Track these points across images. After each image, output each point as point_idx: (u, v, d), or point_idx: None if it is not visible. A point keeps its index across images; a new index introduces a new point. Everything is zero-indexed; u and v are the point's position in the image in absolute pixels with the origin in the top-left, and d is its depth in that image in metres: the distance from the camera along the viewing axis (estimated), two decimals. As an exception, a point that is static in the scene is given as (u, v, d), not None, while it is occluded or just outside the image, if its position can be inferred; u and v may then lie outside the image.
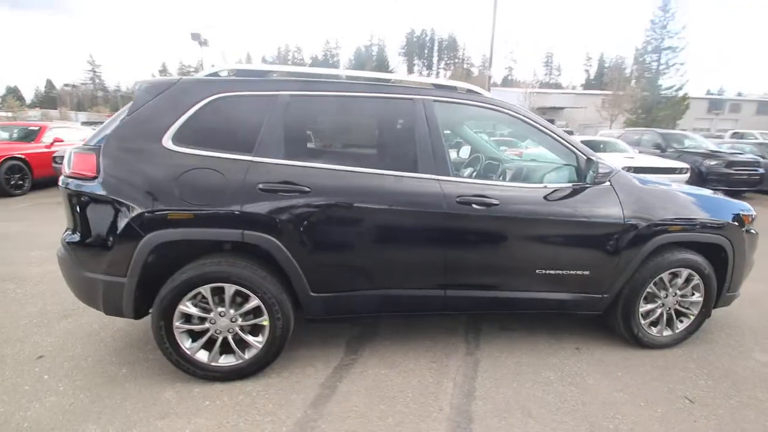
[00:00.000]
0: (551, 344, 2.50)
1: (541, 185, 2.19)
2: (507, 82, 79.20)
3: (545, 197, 2.15)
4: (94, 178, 1.84)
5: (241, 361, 2.03)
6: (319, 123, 2.20)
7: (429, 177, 2.04)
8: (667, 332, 2.46)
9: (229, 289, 1.93)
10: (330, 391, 2.01)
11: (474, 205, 2.04)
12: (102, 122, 2.29)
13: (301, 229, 1.92)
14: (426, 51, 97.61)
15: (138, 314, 2.01)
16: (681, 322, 2.48)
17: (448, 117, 2.13)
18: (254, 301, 1.96)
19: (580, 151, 2.22)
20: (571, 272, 2.24)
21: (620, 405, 1.97)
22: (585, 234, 2.20)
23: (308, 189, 1.91)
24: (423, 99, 2.13)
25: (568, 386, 2.10)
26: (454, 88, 2.26)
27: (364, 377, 2.13)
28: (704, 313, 2.48)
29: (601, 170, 2.10)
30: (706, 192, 2.65)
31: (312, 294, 2.03)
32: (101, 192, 1.84)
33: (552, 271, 2.21)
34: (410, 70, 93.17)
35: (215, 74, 2.10)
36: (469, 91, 2.28)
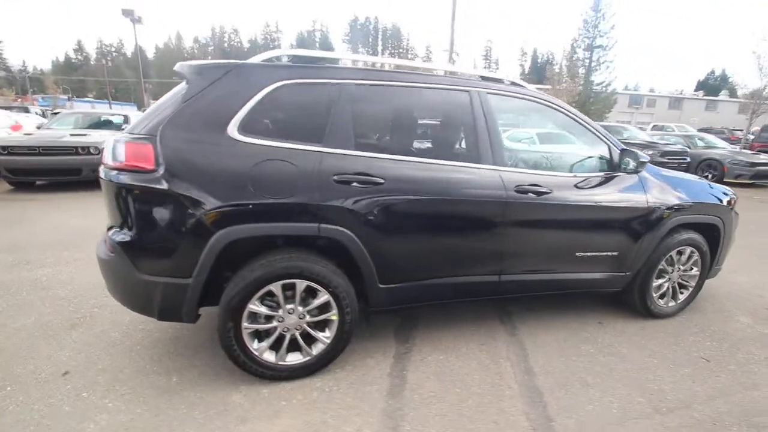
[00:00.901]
0: (577, 320, 2.72)
1: (584, 174, 2.36)
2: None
3: (586, 185, 2.32)
4: (153, 170, 1.66)
5: (308, 357, 1.98)
6: (383, 113, 2.16)
7: (490, 168, 2.11)
8: (671, 303, 2.80)
9: (301, 284, 1.87)
10: (400, 380, 2.04)
11: (530, 194, 2.16)
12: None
13: (374, 220, 1.90)
14: (370, 39, 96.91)
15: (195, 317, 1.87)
16: (682, 293, 2.83)
17: (499, 109, 2.20)
18: (324, 296, 1.92)
19: (613, 144, 2.42)
20: (605, 253, 2.45)
21: (655, 369, 2.22)
22: (617, 218, 2.42)
23: (382, 180, 1.89)
24: (478, 91, 2.18)
25: (608, 356, 2.32)
26: (500, 80, 2.34)
27: (426, 364, 2.18)
28: (700, 285, 2.85)
29: (641, 160, 2.31)
30: (696, 178, 3.02)
31: (380, 285, 2.02)
32: (163, 186, 1.66)
33: (589, 253, 2.41)
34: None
35: (274, 60, 1.97)
36: (513, 83, 2.37)
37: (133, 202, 1.69)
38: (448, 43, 17.30)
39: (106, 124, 8.11)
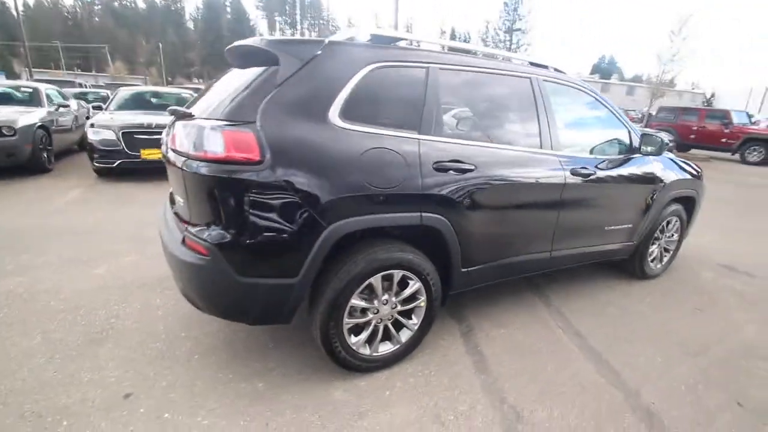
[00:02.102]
0: (592, 287, 3.07)
1: (620, 156, 2.62)
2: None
3: (617, 165, 2.59)
4: (259, 162, 1.48)
5: (398, 346, 1.98)
6: (466, 98, 2.12)
7: (552, 153, 2.25)
8: (659, 265, 3.29)
9: (397, 275, 1.84)
10: (480, 357, 2.15)
11: (579, 176, 2.35)
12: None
13: (464, 206, 1.92)
14: (287, 8, 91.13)
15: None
16: (665, 257, 3.33)
17: (551, 94, 2.32)
18: (416, 285, 1.92)
19: (633, 129, 2.72)
20: (624, 226, 2.78)
21: (670, 322, 2.63)
22: (636, 194, 2.75)
23: (473, 167, 1.91)
24: (537, 78, 2.27)
25: (631, 315, 2.68)
26: (546, 67, 2.46)
27: (492, 339, 2.31)
28: (678, 248, 3.38)
29: (664, 142, 2.63)
30: (672, 156, 3.51)
31: (462, 270, 2.07)
32: (271, 179, 1.49)
33: (614, 227, 2.72)
34: (272, 28, 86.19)
35: (354, 39, 1.83)
36: (556, 69, 2.51)
37: (235, 198, 1.49)
38: (372, 16, 16.94)
39: (6, 99, 6.59)
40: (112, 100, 6.95)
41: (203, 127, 1.51)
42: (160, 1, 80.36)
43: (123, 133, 5.54)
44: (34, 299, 2.48)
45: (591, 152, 2.55)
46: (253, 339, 2.18)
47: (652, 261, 3.21)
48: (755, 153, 12.07)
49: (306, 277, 1.62)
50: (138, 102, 7.03)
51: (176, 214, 1.89)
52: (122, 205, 4.60)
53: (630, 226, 2.83)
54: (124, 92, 7.13)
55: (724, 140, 12.54)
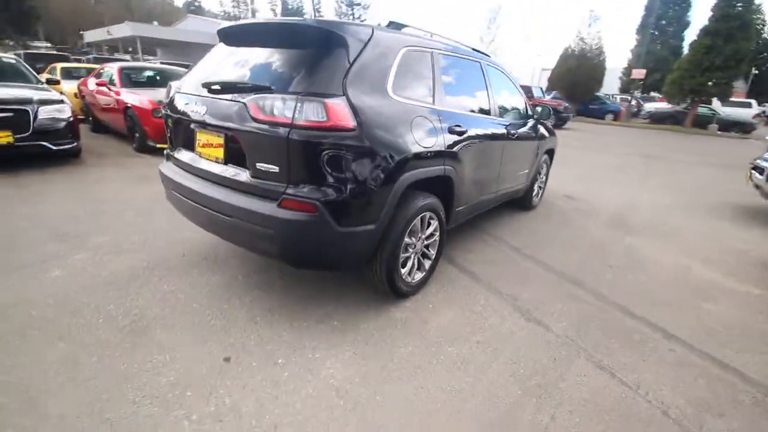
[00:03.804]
0: (507, 218, 4.18)
1: (525, 120, 3.64)
2: (198, 11, 71.02)
3: (527, 126, 3.63)
4: (353, 129, 1.79)
5: (425, 273, 2.56)
6: (452, 76, 2.64)
7: (497, 119, 3.07)
8: (536, 199, 4.63)
9: (425, 216, 2.39)
10: (470, 273, 2.90)
11: (510, 134, 3.26)
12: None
13: (461, 159, 2.56)
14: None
15: None
16: (539, 193, 4.71)
17: (491, 75, 3.11)
18: (435, 223, 2.50)
19: (526, 102, 3.79)
20: (525, 170, 3.90)
21: (554, 231, 3.90)
22: (533, 146, 3.88)
23: (466, 129, 2.55)
24: (484, 62, 3.02)
25: (536, 231, 3.86)
26: (487, 55, 3.23)
27: (471, 261, 3.10)
28: (544, 186, 4.81)
29: (550, 111, 3.74)
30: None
31: (456, 209, 2.74)
32: (363, 143, 1.82)
33: (522, 171, 3.80)
34: None
35: (379, 26, 2.18)
36: (486, 54, 3.31)
37: (336, 159, 1.76)
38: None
39: None
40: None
41: (304, 99, 1.71)
42: None
43: None
44: (31, 302, 2.08)
45: (512, 117, 3.49)
46: (298, 296, 2.42)
47: (534, 196, 4.52)
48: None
49: (382, 223, 2.02)
50: None
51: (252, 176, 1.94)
52: None
53: (527, 171, 3.98)
54: None
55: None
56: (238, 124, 1.87)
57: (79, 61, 14.67)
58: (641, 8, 28.65)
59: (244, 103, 1.84)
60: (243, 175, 1.94)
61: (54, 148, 4.83)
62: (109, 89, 6.54)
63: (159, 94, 6.18)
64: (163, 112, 2.53)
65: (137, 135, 6.09)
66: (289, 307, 2.30)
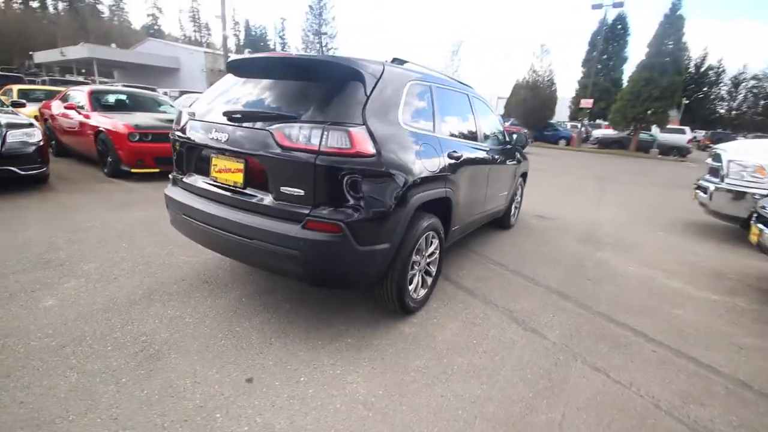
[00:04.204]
0: (492, 238, 4.42)
1: (505, 146, 3.94)
2: (158, 34, 69.77)
3: (508, 151, 3.93)
4: (373, 155, 1.93)
5: (427, 289, 2.69)
6: (447, 107, 2.85)
7: (483, 145, 3.33)
8: (513, 219, 4.94)
9: (429, 235, 2.55)
10: (465, 289, 3.07)
11: (494, 160, 3.53)
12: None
13: (457, 182, 2.76)
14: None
15: None
16: (516, 213, 5.02)
17: (476, 105, 3.39)
18: (436, 242, 2.66)
19: (504, 130, 4.12)
20: (505, 193, 4.19)
21: (535, 248, 4.18)
22: (511, 171, 4.19)
23: (461, 155, 2.76)
24: (470, 93, 3.30)
25: (517, 248, 4.12)
26: (471, 87, 3.51)
27: (463, 278, 3.27)
28: (519, 207, 5.14)
29: (528, 138, 4.07)
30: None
31: (452, 228, 2.92)
32: (380, 168, 1.96)
33: (503, 193, 4.08)
34: None
35: (388, 61, 2.38)
36: (470, 87, 3.60)
37: (358, 183, 1.89)
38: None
39: None
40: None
41: (330, 127, 1.84)
42: None
43: None
44: (22, 333, 1.98)
45: (494, 143, 3.78)
46: (306, 317, 2.46)
47: (512, 216, 4.83)
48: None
49: (394, 242, 2.15)
50: None
51: (275, 200, 2.03)
52: None
53: (507, 192, 4.27)
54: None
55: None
56: (263, 150, 1.96)
57: (33, 82, 13.97)
58: (586, 43, 31.45)
59: (270, 132, 1.94)
60: (266, 199, 2.02)
61: (22, 173, 4.61)
62: (79, 112, 6.33)
63: (134, 118, 6.09)
64: (173, 137, 2.56)
65: (110, 160, 5.91)
66: (300, 327, 2.34)
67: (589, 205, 6.92)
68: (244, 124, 2.06)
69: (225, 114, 2.13)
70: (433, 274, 2.73)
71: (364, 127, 1.93)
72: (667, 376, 2.18)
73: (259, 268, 2.31)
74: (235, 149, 2.07)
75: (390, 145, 2.06)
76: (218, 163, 2.21)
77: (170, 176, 2.65)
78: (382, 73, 2.17)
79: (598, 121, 31.82)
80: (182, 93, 15.49)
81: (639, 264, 3.99)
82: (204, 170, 2.32)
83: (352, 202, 1.92)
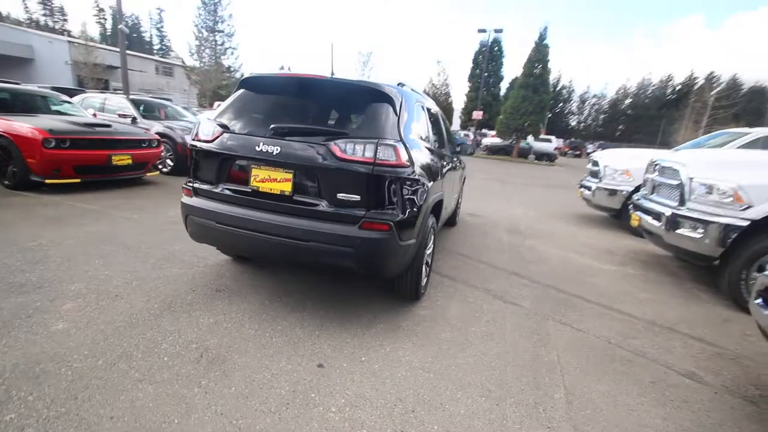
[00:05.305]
0: (453, 232, 5.08)
1: (457, 154, 4.62)
2: (-7, 14, 56.73)
3: (458, 159, 4.62)
4: (409, 166, 2.33)
5: (427, 278, 3.17)
6: (432, 124, 3.31)
7: (447, 152, 3.94)
8: (458, 218, 5.71)
9: (431, 231, 3.03)
10: (448, 277, 3.62)
11: (453, 165, 4.18)
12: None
13: (443, 187, 3.30)
14: None
15: None
16: (458, 211, 5.81)
17: (440, 120, 3.98)
18: (432, 237, 3.16)
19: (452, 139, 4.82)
20: (457, 194, 4.89)
21: (481, 240, 4.98)
22: (461, 175, 4.91)
23: (445, 163, 3.31)
24: (438, 111, 3.88)
25: (467, 241, 4.85)
26: (432, 102, 4.09)
27: (441, 266, 3.82)
28: (459, 206, 5.95)
29: (473, 148, 4.80)
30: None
31: (438, 225, 3.44)
32: (414, 176, 2.37)
33: (455, 195, 4.78)
34: None
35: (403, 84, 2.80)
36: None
37: (401, 189, 2.27)
38: None
39: None
40: None
41: (383, 143, 2.19)
42: None
43: None
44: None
45: (451, 151, 4.43)
46: (334, 311, 2.72)
47: (457, 215, 5.59)
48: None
49: (419, 237, 2.58)
50: None
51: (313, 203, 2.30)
52: None
53: (458, 195, 4.99)
54: None
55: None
56: (319, 162, 2.21)
57: None
58: (470, 61, 35.46)
59: (326, 146, 2.20)
60: (321, 204, 2.26)
61: None
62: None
63: (41, 121, 5.32)
64: (195, 148, 2.56)
65: (13, 170, 5.05)
66: (334, 321, 2.60)
67: (502, 204, 8.18)
68: (296, 138, 2.28)
69: (273, 129, 2.31)
70: (430, 264, 3.22)
71: (401, 141, 2.33)
72: (607, 323, 3.02)
73: (307, 266, 2.52)
74: (288, 161, 2.27)
75: (416, 156, 2.49)
76: (259, 173, 2.36)
77: (188, 187, 2.64)
78: (402, 95, 2.59)
79: (483, 131, 36.14)
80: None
81: (557, 248, 5.06)
82: (240, 180, 2.43)
83: (395, 204, 2.30)
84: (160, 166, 7.37)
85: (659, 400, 2.11)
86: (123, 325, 2.30)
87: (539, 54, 24.16)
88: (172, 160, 7.70)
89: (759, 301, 1.99)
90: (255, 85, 2.63)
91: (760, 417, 2.05)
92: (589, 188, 6.87)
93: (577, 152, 39.37)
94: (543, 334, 2.71)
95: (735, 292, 3.41)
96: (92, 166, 5.36)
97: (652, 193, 4.44)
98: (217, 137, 2.46)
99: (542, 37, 24.22)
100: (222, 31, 29.00)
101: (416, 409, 1.86)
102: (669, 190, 4.05)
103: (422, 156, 2.65)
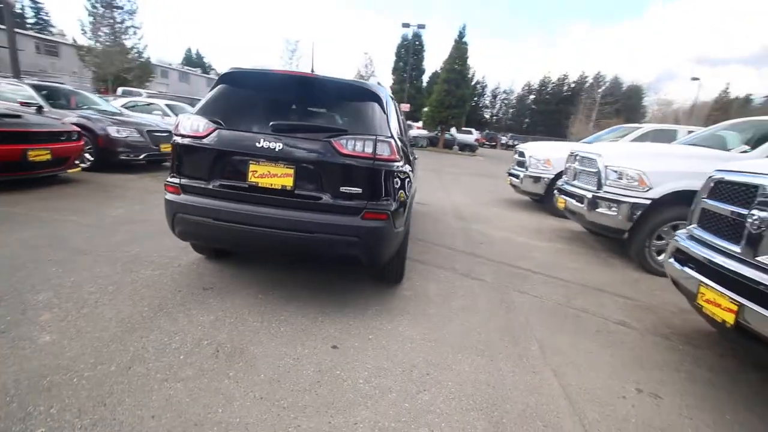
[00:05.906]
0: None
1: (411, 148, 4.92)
2: None
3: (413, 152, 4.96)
4: (399, 160, 2.57)
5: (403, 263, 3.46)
6: (398, 118, 3.53)
7: (410, 147, 4.24)
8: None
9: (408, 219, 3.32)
10: (421, 262, 3.96)
11: (414, 157, 4.51)
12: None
13: (413, 178, 3.60)
14: None
15: None
16: (408, 200, 6.19)
17: (399, 113, 4.26)
18: (408, 225, 3.45)
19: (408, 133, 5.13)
20: (414, 185, 5.25)
21: (446, 236, 5.42)
22: (416, 166, 5.27)
23: (415, 156, 3.60)
24: (396, 102, 4.14)
25: (433, 229, 5.25)
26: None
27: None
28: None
29: (417, 140, 5.15)
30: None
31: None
32: (402, 169, 2.62)
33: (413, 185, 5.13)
34: None
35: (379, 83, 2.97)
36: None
37: (393, 181, 2.50)
38: None
39: None
40: None
41: (379, 140, 2.39)
42: None
43: None
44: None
45: (410, 144, 4.74)
46: (326, 301, 2.88)
47: (408, 203, 5.95)
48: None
49: (406, 224, 2.85)
50: None
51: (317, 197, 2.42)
52: None
53: (414, 185, 5.33)
54: None
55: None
56: (322, 157, 2.34)
57: None
58: (393, 54, 36.23)
59: (329, 142, 2.33)
60: (323, 198, 2.39)
61: None
62: None
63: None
64: (180, 143, 2.48)
65: None
66: (332, 307, 2.77)
67: (442, 192, 8.79)
68: (298, 135, 2.36)
69: (273, 126, 2.36)
70: (406, 250, 3.51)
71: (392, 138, 2.55)
72: (552, 288, 3.61)
73: (311, 257, 2.62)
74: (290, 157, 2.35)
75: (402, 151, 2.74)
76: (258, 169, 2.41)
77: (173, 184, 2.55)
78: (385, 94, 2.80)
79: (409, 122, 37.42)
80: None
81: (498, 230, 5.70)
82: (237, 176, 2.44)
83: (390, 195, 2.53)
84: (78, 162, 6.58)
85: (605, 343, 2.67)
86: (120, 331, 2.22)
87: (459, 51, 25.69)
88: (92, 155, 6.90)
89: (672, 260, 2.63)
90: (237, 80, 2.63)
91: (674, 348, 2.72)
92: (517, 176, 7.74)
93: (493, 143, 42.83)
94: (509, 302, 3.18)
95: (641, 257, 4.27)
96: (5, 163, 4.65)
97: (574, 180, 5.24)
98: (210, 132, 2.43)
99: (461, 35, 25.78)
100: (121, 8, 25.74)
101: (430, 372, 2.14)
102: (588, 177, 4.84)
103: (405, 150, 2.91)
